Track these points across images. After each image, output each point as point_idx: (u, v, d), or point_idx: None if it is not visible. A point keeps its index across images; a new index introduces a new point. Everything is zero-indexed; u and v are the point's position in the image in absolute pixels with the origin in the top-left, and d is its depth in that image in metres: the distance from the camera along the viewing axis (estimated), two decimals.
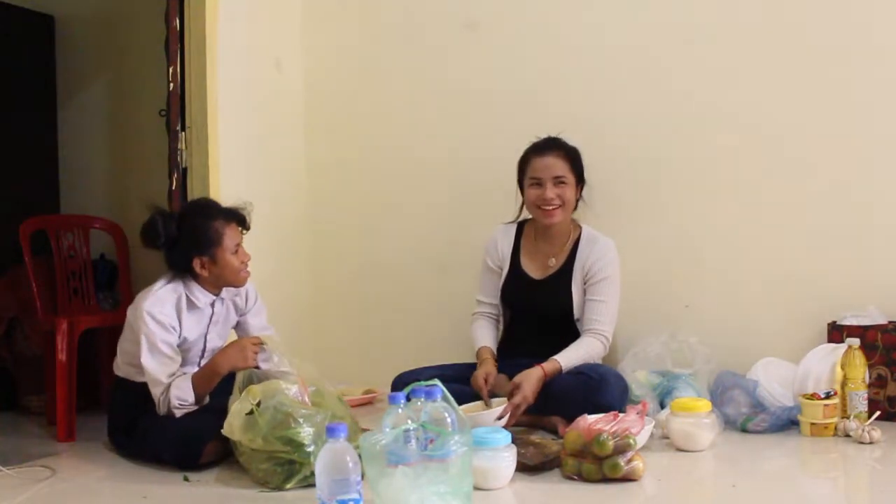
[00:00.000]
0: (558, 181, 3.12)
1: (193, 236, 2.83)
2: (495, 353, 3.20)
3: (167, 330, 2.79)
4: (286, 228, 4.02)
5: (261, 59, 3.89)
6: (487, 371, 3.05)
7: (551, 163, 3.13)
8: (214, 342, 2.99)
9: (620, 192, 3.52)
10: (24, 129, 4.37)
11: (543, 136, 3.22)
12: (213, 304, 2.93)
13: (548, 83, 3.68)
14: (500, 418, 2.80)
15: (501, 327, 3.35)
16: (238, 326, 3.10)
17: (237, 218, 2.90)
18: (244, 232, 2.93)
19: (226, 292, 2.96)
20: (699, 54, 3.48)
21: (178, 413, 2.74)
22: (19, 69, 4.36)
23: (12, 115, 4.27)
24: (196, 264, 2.83)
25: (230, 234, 2.86)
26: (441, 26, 3.90)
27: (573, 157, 3.16)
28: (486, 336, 3.25)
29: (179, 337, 2.84)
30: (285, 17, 4.06)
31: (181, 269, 2.86)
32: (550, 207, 3.12)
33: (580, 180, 3.19)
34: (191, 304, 2.87)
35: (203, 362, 2.98)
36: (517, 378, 2.92)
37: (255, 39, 3.85)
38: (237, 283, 2.92)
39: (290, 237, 4.05)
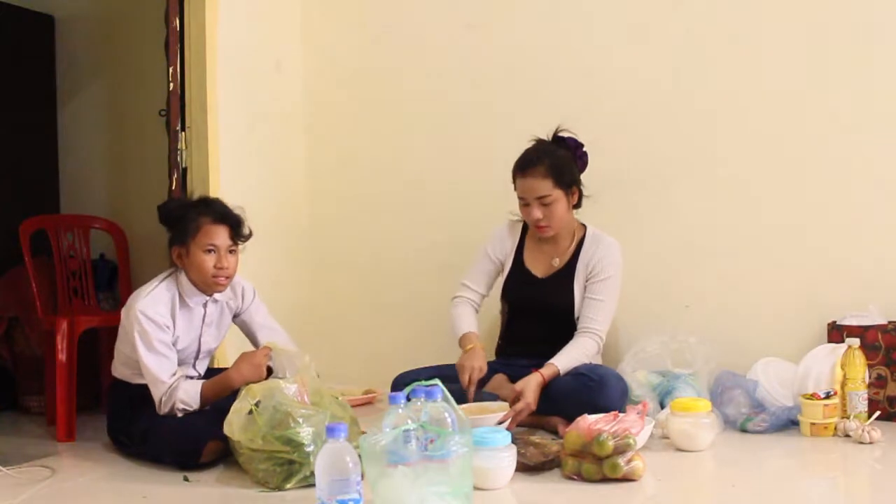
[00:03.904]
0: (543, 201, 3.07)
1: (181, 223, 2.84)
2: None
3: (161, 329, 2.79)
4: (286, 228, 4.02)
5: (261, 59, 3.90)
6: (481, 366, 2.97)
7: (533, 185, 3.05)
8: (209, 344, 2.99)
9: (621, 192, 3.52)
10: (24, 129, 4.37)
11: (542, 134, 3.19)
12: (205, 305, 2.93)
13: (549, 83, 3.69)
14: (500, 423, 2.78)
15: (502, 324, 3.34)
16: (243, 325, 3.08)
17: (228, 221, 2.85)
18: (239, 241, 2.88)
19: (220, 294, 2.95)
20: (700, 54, 3.48)
21: (180, 415, 2.75)
22: (19, 69, 4.36)
23: (12, 115, 4.27)
24: (174, 252, 2.86)
25: (209, 231, 2.82)
26: (441, 26, 3.90)
27: (557, 171, 3.06)
28: (471, 321, 3.18)
29: (173, 336, 2.84)
30: (285, 17, 4.06)
31: (170, 252, 2.88)
32: (540, 226, 3.12)
33: (571, 187, 3.11)
34: (183, 304, 2.88)
35: (199, 364, 2.98)
36: (518, 385, 2.91)
37: (255, 39, 3.85)
38: (206, 287, 2.87)
39: (290, 237, 4.05)
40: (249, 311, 3.06)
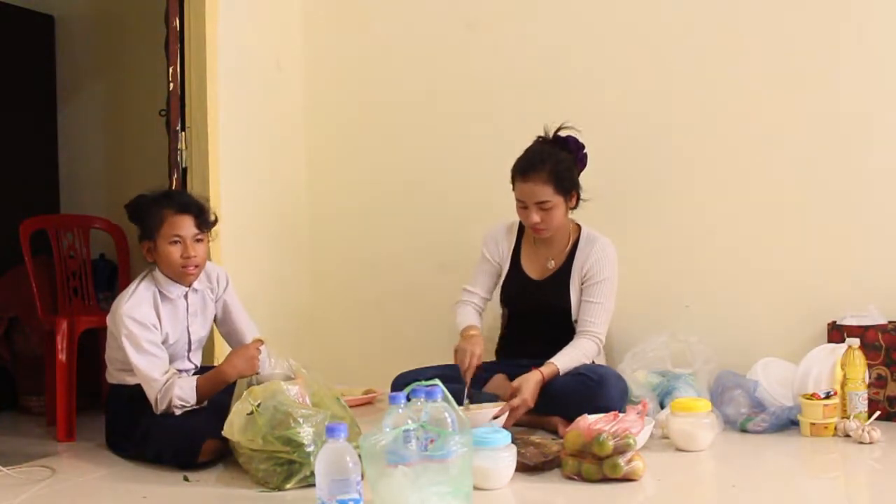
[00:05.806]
0: (543, 206, 3.04)
1: (146, 219, 2.85)
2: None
3: (148, 329, 2.79)
4: (286, 228, 4.02)
5: (261, 59, 3.89)
6: (479, 352, 2.95)
7: (533, 189, 3.03)
8: (198, 333, 3.00)
9: (621, 192, 3.52)
10: (24, 129, 4.37)
11: (550, 126, 3.16)
12: (186, 296, 2.93)
13: (548, 82, 3.69)
14: (495, 418, 2.78)
15: (501, 326, 3.34)
16: (219, 310, 3.06)
17: (191, 210, 2.85)
18: (204, 230, 2.87)
19: (198, 283, 2.95)
20: (700, 54, 3.48)
21: (178, 412, 2.75)
22: (19, 69, 4.36)
23: (12, 115, 4.27)
24: (144, 248, 2.88)
25: (173, 222, 2.82)
26: (441, 25, 3.90)
27: (558, 177, 3.03)
28: (472, 317, 3.19)
29: (161, 334, 2.84)
30: (285, 17, 4.06)
31: (141, 249, 2.90)
32: (538, 228, 3.10)
33: (570, 192, 3.09)
34: (165, 299, 2.88)
35: (193, 356, 2.99)
36: (516, 382, 2.92)
37: (255, 39, 3.85)
38: (177, 278, 2.88)
39: (290, 237, 4.05)
40: (225, 295, 3.06)
